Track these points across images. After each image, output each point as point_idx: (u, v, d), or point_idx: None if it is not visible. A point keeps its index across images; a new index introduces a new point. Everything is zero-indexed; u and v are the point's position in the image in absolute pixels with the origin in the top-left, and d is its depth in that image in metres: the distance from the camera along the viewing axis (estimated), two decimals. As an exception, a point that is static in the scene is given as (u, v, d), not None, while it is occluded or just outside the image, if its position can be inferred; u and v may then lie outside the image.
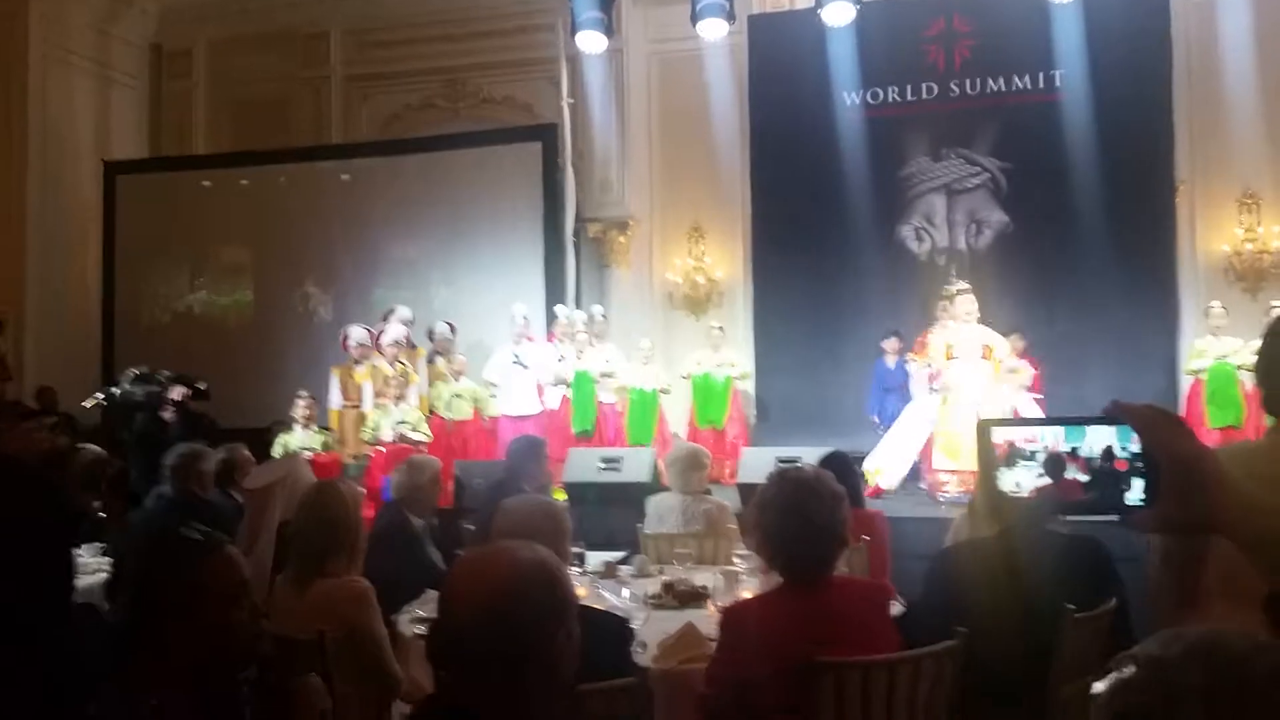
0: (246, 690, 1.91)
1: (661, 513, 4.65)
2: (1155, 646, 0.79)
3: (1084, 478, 1.08)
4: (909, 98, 9.70)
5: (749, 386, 9.60)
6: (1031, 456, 1.09)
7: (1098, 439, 1.08)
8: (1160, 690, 0.75)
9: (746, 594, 3.23)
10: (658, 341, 9.48)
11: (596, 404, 8.80)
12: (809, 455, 4.74)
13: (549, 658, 1.45)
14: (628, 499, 6.14)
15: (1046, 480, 1.08)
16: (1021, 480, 1.09)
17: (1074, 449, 1.08)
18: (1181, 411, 8.16)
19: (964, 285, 7.81)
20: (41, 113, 10.66)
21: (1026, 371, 7.89)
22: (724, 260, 10.51)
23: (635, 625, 3.03)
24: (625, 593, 3.54)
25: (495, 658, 1.42)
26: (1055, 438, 1.09)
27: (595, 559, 4.04)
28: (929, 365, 7.50)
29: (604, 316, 9.38)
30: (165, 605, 1.82)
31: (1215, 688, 0.74)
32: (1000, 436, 1.10)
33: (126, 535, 4.80)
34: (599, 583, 3.66)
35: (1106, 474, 1.07)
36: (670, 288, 10.58)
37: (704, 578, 3.72)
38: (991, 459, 1.10)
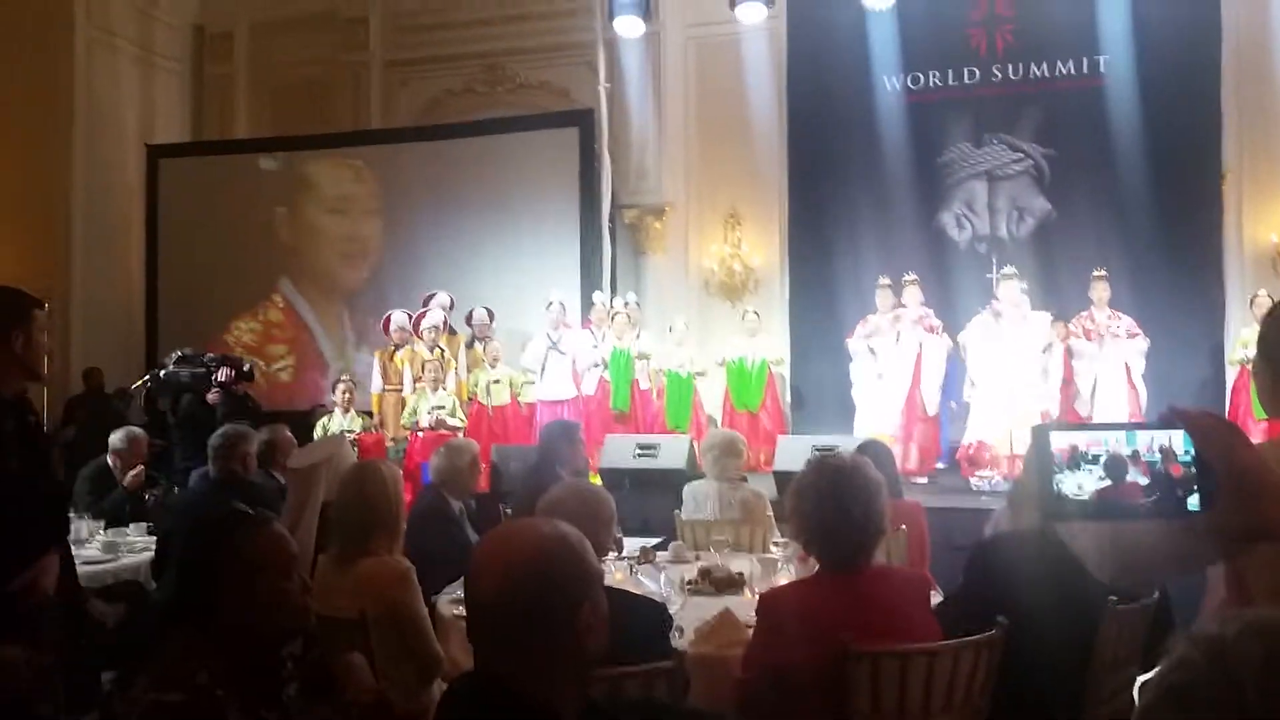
0: (290, 665, 1.94)
1: (698, 499, 4.67)
2: (1212, 626, 0.79)
3: (1144, 480, 1.07)
4: (950, 82, 9.57)
5: (784, 372, 9.56)
6: (1095, 460, 1.08)
7: (1156, 440, 1.08)
8: (1216, 667, 0.75)
9: (784, 580, 3.23)
10: (694, 328, 9.46)
11: (634, 385, 8.81)
12: (846, 446, 4.72)
13: (575, 629, 1.46)
14: (664, 485, 6.16)
15: (1108, 483, 1.08)
16: (1084, 483, 1.09)
17: (1135, 451, 1.08)
18: (1227, 402, 8.03)
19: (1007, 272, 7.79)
20: (87, 97, 10.78)
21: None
22: (761, 247, 10.45)
23: (672, 610, 3.04)
24: (662, 578, 3.55)
25: (520, 629, 1.43)
26: (1117, 441, 1.09)
27: (632, 545, 4.07)
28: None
29: (638, 304, 9.38)
30: (215, 579, 1.85)
31: (1270, 664, 0.74)
32: (1058, 442, 1.10)
33: (171, 515, 4.90)
34: (636, 568, 3.68)
35: (1165, 478, 1.07)
36: (706, 275, 10.52)
37: (741, 564, 3.73)
38: (1048, 463, 1.10)
